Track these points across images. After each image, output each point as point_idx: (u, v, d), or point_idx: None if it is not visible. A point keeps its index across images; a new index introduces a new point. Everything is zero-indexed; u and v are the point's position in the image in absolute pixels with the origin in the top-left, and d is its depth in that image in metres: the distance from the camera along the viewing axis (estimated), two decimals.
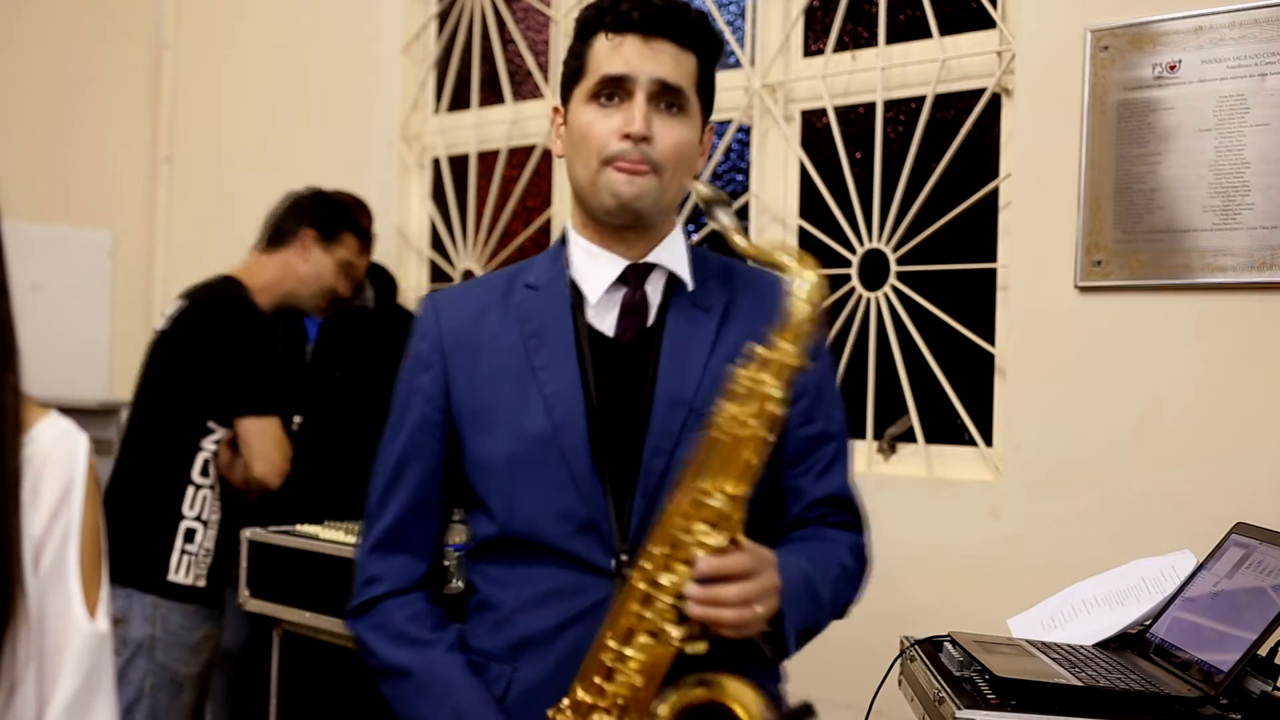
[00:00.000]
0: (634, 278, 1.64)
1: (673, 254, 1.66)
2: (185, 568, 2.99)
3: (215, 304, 3.02)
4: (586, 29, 1.63)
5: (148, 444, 3.04)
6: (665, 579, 1.43)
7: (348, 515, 3.15)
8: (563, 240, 1.69)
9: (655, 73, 1.58)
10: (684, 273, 1.65)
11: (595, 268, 1.63)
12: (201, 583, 3.01)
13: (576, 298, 1.64)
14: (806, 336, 1.45)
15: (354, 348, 3.48)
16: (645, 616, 1.44)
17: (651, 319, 1.63)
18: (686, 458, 1.49)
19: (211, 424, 3.00)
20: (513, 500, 1.59)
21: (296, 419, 3.40)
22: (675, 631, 1.42)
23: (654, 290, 1.65)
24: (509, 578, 1.61)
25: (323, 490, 3.39)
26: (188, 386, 3.00)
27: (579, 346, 1.60)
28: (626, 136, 1.56)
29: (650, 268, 1.64)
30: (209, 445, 3.01)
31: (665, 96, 1.59)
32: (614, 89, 1.59)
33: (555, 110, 1.69)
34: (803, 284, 1.46)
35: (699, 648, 1.42)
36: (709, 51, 1.64)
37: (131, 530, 3.01)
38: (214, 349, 2.98)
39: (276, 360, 3.09)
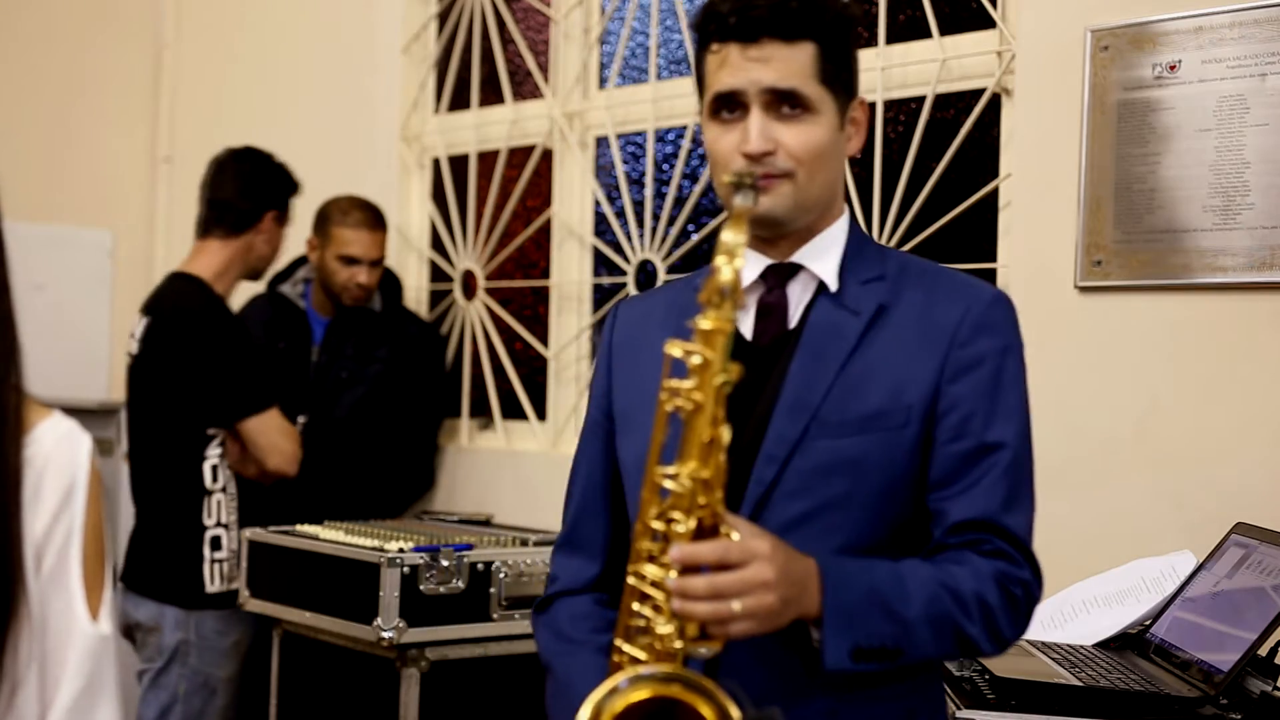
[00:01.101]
0: (774, 278, 1.56)
1: (823, 253, 1.56)
2: (219, 576, 3.01)
3: (180, 314, 3.00)
4: (699, 40, 1.55)
5: (154, 464, 3.05)
6: (650, 572, 1.37)
7: (348, 515, 3.15)
8: None
9: (763, 81, 1.49)
10: (828, 273, 1.55)
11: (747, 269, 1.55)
12: (237, 584, 3.02)
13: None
14: (729, 297, 1.33)
15: (359, 349, 3.48)
16: (644, 615, 1.37)
17: (794, 321, 1.55)
18: (809, 467, 1.42)
19: (211, 430, 3.01)
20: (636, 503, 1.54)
21: (301, 419, 3.40)
22: (665, 629, 1.35)
23: (799, 291, 1.56)
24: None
25: (324, 490, 3.39)
26: (178, 403, 3.00)
27: None
28: (746, 155, 1.48)
29: (795, 268, 1.56)
30: (213, 451, 3.02)
31: (784, 101, 1.50)
32: (731, 105, 1.51)
33: (700, 120, 1.62)
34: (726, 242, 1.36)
35: (701, 649, 1.33)
36: (829, 33, 1.52)
37: (160, 549, 3.02)
38: (192, 361, 2.97)
39: (256, 352, 3.08)
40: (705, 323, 1.35)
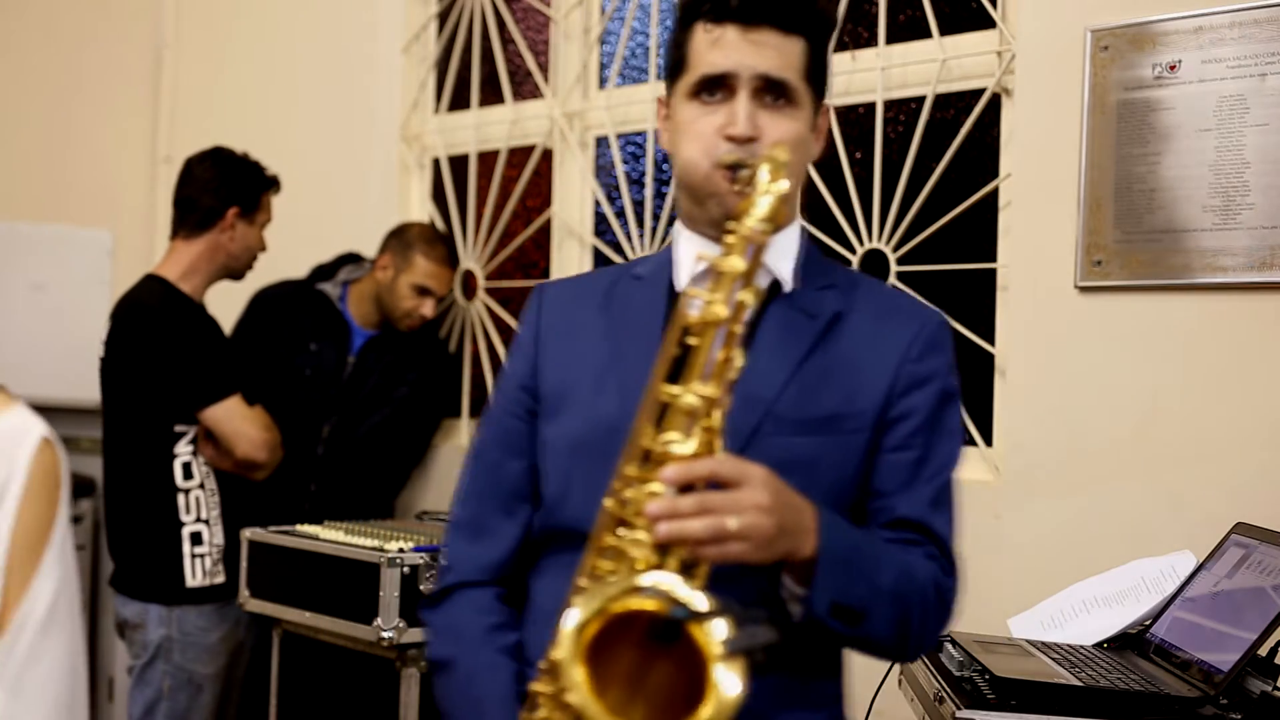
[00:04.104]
0: None
1: (782, 253, 1.57)
2: (201, 570, 3.01)
3: (136, 312, 3.02)
4: (686, 17, 1.53)
5: (126, 466, 3.05)
6: (634, 496, 1.31)
7: (357, 518, 3.16)
8: None
9: (758, 67, 1.48)
10: (786, 274, 1.56)
11: (690, 257, 1.56)
12: (220, 578, 3.02)
13: (676, 289, 1.57)
14: (748, 245, 1.33)
15: (390, 370, 3.48)
16: (620, 547, 1.32)
17: (749, 315, 1.55)
18: (762, 462, 1.36)
19: (178, 428, 3.01)
20: (568, 488, 1.52)
21: (325, 427, 3.40)
22: (644, 559, 1.28)
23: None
24: (552, 575, 1.54)
25: (340, 495, 3.40)
26: (140, 401, 3.01)
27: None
28: (731, 138, 1.48)
29: None
30: (183, 448, 3.02)
31: (771, 91, 1.50)
32: (716, 86, 1.50)
33: (659, 101, 1.62)
34: (766, 198, 1.36)
35: (688, 595, 1.24)
36: (819, 33, 1.54)
37: (139, 548, 3.03)
38: (148, 356, 2.98)
39: (212, 341, 3.07)
40: (741, 229, 1.34)
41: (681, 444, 1.30)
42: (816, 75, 1.55)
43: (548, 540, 1.57)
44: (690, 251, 1.57)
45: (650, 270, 1.62)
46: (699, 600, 1.23)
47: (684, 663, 1.24)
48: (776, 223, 1.36)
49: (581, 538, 1.42)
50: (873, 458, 1.52)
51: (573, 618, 1.23)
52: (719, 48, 1.49)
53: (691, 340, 1.33)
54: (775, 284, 1.56)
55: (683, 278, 1.58)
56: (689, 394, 1.31)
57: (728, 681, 1.20)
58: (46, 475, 1.25)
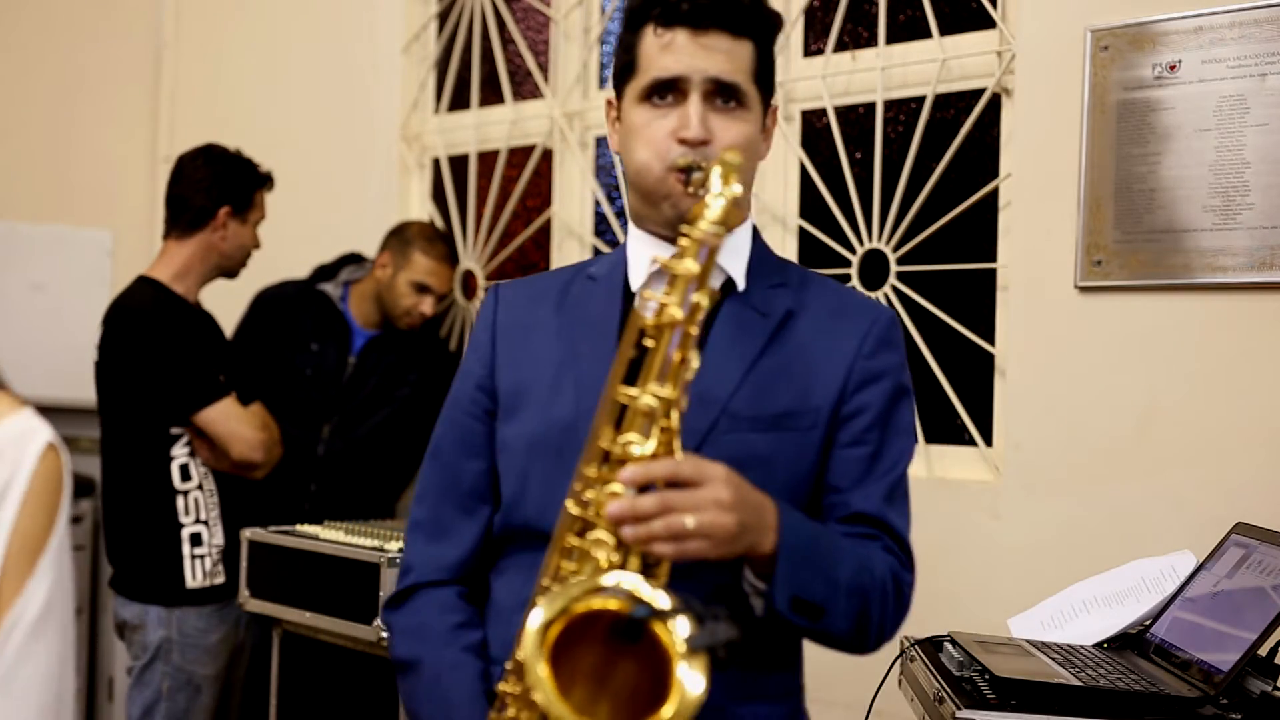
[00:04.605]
0: None
1: (733, 252, 1.58)
2: (201, 571, 3.01)
3: (128, 316, 3.00)
4: (634, 20, 1.54)
5: (124, 469, 3.05)
6: (594, 497, 1.32)
7: (357, 518, 3.15)
8: None
9: (709, 70, 1.49)
10: (738, 272, 1.57)
11: (644, 258, 1.58)
12: (220, 579, 3.02)
13: (630, 290, 1.58)
14: (701, 247, 1.34)
15: (392, 370, 3.48)
16: (583, 548, 1.32)
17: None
18: (718, 459, 1.36)
19: (174, 430, 3.00)
20: (525, 487, 1.53)
21: (326, 427, 3.40)
22: (606, 559, 1.29)
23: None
24: (512, 574, 1.55)
25: (340, 495, 3.39)
26: (134, 405, 3.00)
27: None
28: (683, 141, 1.49)
29: None
30: (179, 450, 3.01)
31: (722, 94, 1.51)
32: (667, 90, 1.51)
33: (609, 103, 1.63)
34: (717, 198, 1.37)
35: (650, 595, 1.25)
36: (766, 35, 1.55)
37: (138, 550, 3.02)
38: (141, 360, 2.97)
39: (205, 343, 3.06)
40: (695, 232, 1.35)
41: (640, 445, 1.31)
42: (765, 77, 1.56)
43: (507, 539, 1.58)
44: (643, 252, 1.58)
45: (604, 270, 1.64)
46: (660, 599, 1.24)
47: (648, 661, 1.25)
48: (730, 225, 1.37)
49: (541, 537, 1.43)
50: (827, 453, 1.53)
51: (536, 617, 1.24)
52: (670, 51, 1.51)
53: (648, 342, 1.34)
54: (728, 283, 1.58)
55: (636, 278, 1.59)
56: (646, 395, 1.32)
57: (690, 679, 1.22)
58: (49, 480, 1.25)
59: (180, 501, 3.00)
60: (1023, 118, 2.71)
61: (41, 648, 1.21)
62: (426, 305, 3.43)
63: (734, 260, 1.58)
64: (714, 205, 1.37)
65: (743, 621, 1.23)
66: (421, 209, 3.89)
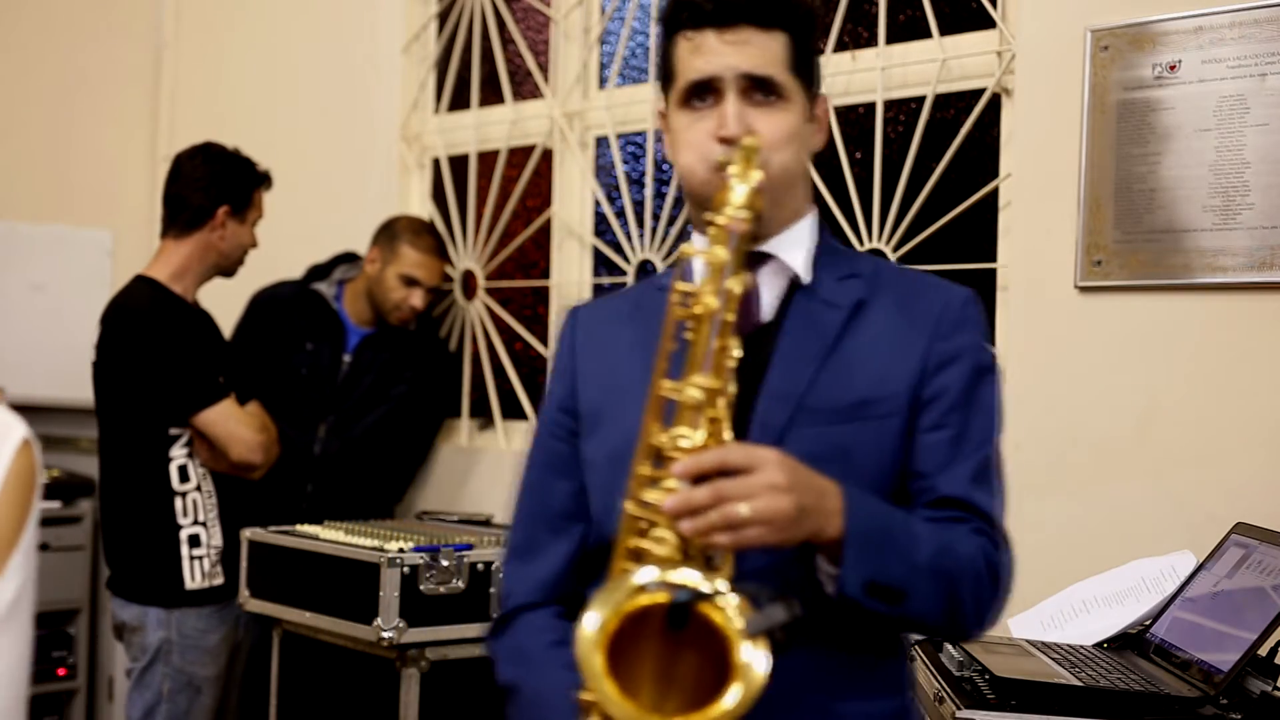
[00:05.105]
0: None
1: (793, 245, 1.57)
2: (200, 573, 3.00)
3: (126, 316, 2.99)
4: (667, 27, 1.55)
5: (121, 470, 3.04)
6: (652, 497, 1.31)
7: (356, 518, 3.15)
8: None
9: (740, 67, 1.49)
10: (800, 265, 1.56)
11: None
12: (219, 580, 3.01)
13: None
14: (729, 234, 1.35)
15: (388, 367, 3.48)
16: (644, 546, 1.32)
17: (770, 313, 1.55)
18: (797, 455, 1.34)
19: (173, 431, 3.00)
20: (611, 500, 1.49)
21: (322, 427, 3.40)
22: (669, 556, 1.28)
23: (771, 281, 1.56)
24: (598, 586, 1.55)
25: (337, 495, 3.39)
26: (133, 406, 3.00)
27: None
28: (723, 140, 1.48)
29: (764, 257, 1.55)
30: (178, 452, 3.01)
31: (758, 88, 1.50)
32: (704, 92, 1.51)
33: (659, 113, 1.62)
34: (740, 186, 1.39)
35: (694, 580, 1.25)
36: (799, 24, 1.53)
37: (137, 552, 3.02)
38: (139, 361, 2.96)
39: (204, 344, 3.06)
40: (720, 218, 1.35)
41: (690, 438, 1.31)
42: (803, 67, 1.54)
43: (601, 554, 1.55)
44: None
45: (671, 280, 1.63)
46: (701, 582, 1.24)
47: (709, 648, 1.25)
48: (756, 209, 1.37)
49: None
50: (910, 440, 1.51)
51: (590, 623, 1.25)
52: (700, 53, 1.51)
53: (689, 335, 1.34)
54: (795, 278, 1.56)
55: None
56: (690, 387, 1.32)
57: (753, 659, 1.21)
58: (22, 477, 1.24)
59: (179, 503, 3.00)
60: (1023, 118, 2.71)
61: (5, 644, 1.21)
62: (416, 298, 3.43)
63: (795, 253, 1.57)
64: (737, 190, 1.37)
65: (800, 604, 1.22)
66: (421, 209, 3.89)
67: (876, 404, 1.50)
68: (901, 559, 1.39)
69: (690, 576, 1.26)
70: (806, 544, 1.37)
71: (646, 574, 1.27)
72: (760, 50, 1.50)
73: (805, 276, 1.56)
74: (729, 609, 1.24)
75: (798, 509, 1.30)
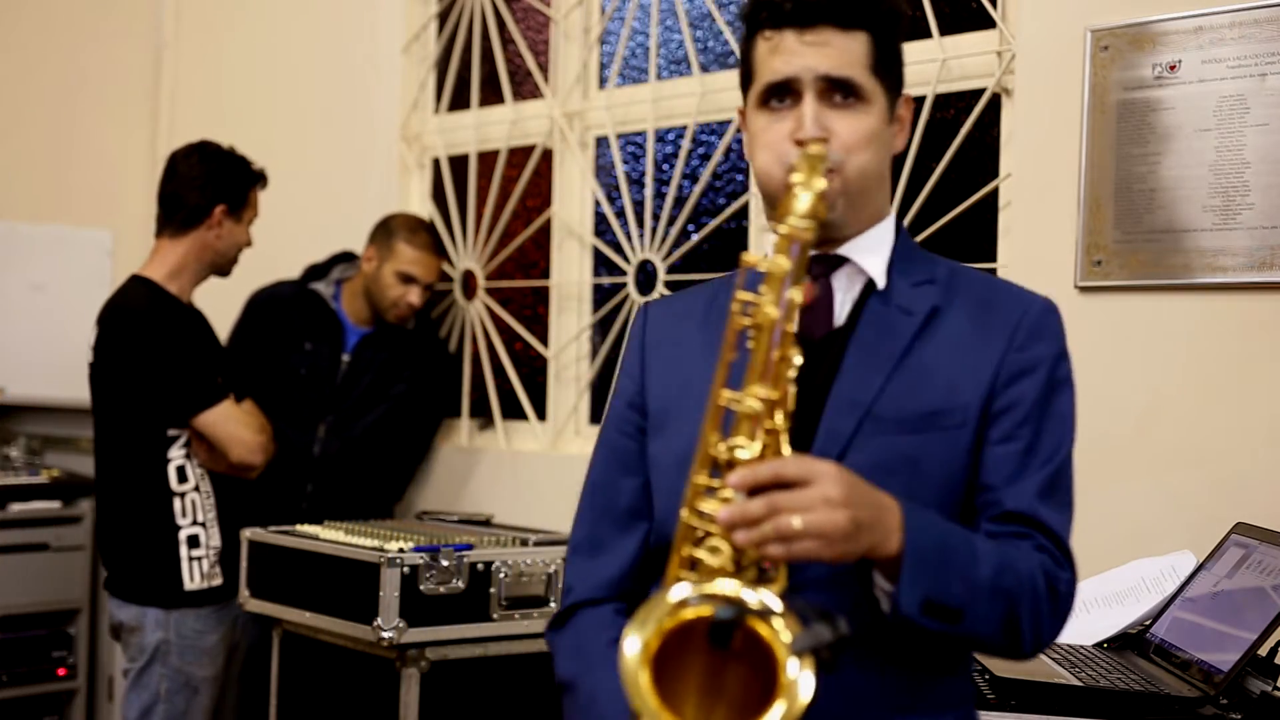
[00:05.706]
0: (818, 267, 1.52)
1: (870, 250, 1.54)
2: (199, 573, 3.00)
3: (123, 317, 2.98)
4: (748, 27, 1.52)
5: (119, 471, 3.03)
6: (708, 507, 1.30)
7: (353, 518, 3.15)
8: None
9: (819, 68, 1.46)
10: (876, 270, 1.53)
11: None
12: (218, 580, 3.01)
13: None
14: (792, 243, 1.34)
15: (387, 366, 3.48)
16: (698, 555, 1.30)
17: (843, 317, 1.52)
18: (864, 464, 1.34)
19: (171, 431, 2.99)
20: (676, 502, 1.46)
21: (321, 427, 3.40)
22: (723, 567, 1.27)
23: (844, 285, 1.53)
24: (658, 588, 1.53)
25: (337, 495, 3.39)
26: (131, 407, 2.99)
27: None
28: (800, 142, 1.45)
29: (840, 261, 1.53)
30: (176, 452, 3.00)
31: (838, 90, 1.47)
32: (783, 93, 1.48)
33: (740, 112, 1.60)
34: (804, 196, 1.37)
35: (749, 590, 1.23)
36: (882, 23, 1.50)
37: (135, 553, 3.01)
38: (137, 362, 2.95)
39: (201, 344, 3.05)
40: (783, 228, 1.33)
41: (746, 448, 1.30)
42: (886, 67, 1.51)
43: (662, 554, 1.53)
44: None
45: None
46: (744, 594, 1.24)
47: (757, 664, 1.24)
48: (820, 217, 1.35)
49: None
50: (979, 452, 1.48)
51: (632, 644, 1.24)
52: (779, 54, 1.48)
53: (750, 344, 1.33)
54: (869, 283, 1.54)
55: None
56: (749, 398, 1.31)
57: (799, 678, 1.20)
58: None
59: (177, 503, 2.99)
60: (1023, 118, 2.71)
61: None
62: (413, 295, 3.42)
63: (872, 258, 1.54)
64: (801, 199, 1.36)
65: (848, 623, 1.21)
66: (421, 209, 3.89)
67: (947, 414, 1.47)
68: (960, 578, 1.36)
69: (729, 587, 1.25)
70: (864, 560, 1.34)
71: (682, 589, 1.26)
72: (840, 51, 1.47)
73: (880, 281, 1.53)
74: (777, 624, 1.23)
75: (853, 524, 1.27)
